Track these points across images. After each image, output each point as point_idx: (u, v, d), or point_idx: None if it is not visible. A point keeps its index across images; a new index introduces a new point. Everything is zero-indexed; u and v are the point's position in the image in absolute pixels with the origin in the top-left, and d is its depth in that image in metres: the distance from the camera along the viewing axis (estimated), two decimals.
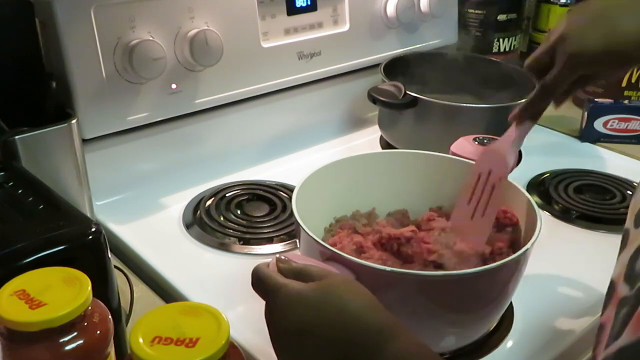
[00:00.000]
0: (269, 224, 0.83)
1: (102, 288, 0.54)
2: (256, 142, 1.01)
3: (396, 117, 0.99)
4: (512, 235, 0.68)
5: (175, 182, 0.91)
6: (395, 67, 1.05)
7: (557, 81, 0.65)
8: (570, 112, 1.21)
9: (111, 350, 0.48)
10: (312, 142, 1.05)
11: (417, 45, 1.15)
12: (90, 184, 0.79)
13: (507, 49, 1.29)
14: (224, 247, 0.79)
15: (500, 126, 0.93)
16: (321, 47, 1.02)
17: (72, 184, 0.75)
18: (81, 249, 0.53)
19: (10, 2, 0.73)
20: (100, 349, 0.46)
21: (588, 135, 1.10)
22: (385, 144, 1.05)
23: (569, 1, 1.29)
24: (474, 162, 0.72)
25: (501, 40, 1.28)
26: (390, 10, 1.08)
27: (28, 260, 0.50)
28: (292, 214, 0.62)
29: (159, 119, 0.88)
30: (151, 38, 0.82)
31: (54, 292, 0.45)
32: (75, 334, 0.44)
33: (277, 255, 0.52)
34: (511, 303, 0.69)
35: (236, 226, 0.83)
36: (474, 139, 0.77)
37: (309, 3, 0.99)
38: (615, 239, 0.84)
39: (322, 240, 0.61)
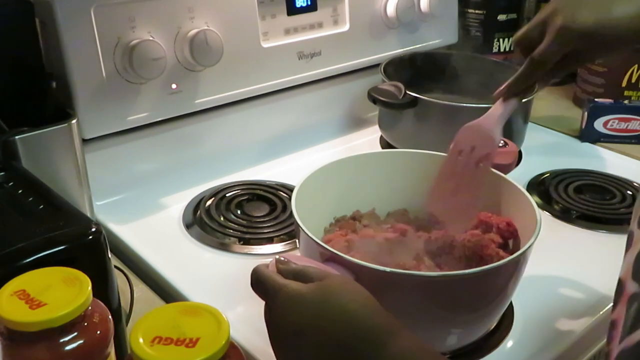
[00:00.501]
0: (269, 224, 0.83)
1: (102, 288, 0.54)
2: (256, 142, 1.01)
3: (396, 117, 0.99)
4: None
5: (175, 182, 0.91)
6: (395, 67, 1.05)
7: (546, 55, 0.64)
8: (570, 112, 1.22)
9: (111, 350, 0.48)
10: (312, 142, 1.05)
11: (417, 45, 1.15)
12: (90, 184, 0.79)
13: (507, 49, 1.29)
14: (224, 247, 0.79)
15: None
16: (321, 47, 1.02)
17: (72, 184, 0.75)
18: (81, 249, 0.53)
19: (10, 2, 0.73)
20: (100, 349, 0.46)
21: (588, 135, 1.10)
22: (385, 144, 1.05)
23: None
24: None
25: (501, 40, 1.28)
26: (390, 10, 1.08)
27: (28, 260, 0.50)
28: (292, 214, 0.62)
29: (159, 119, 0.88)
30: (151, 38, 0.82)
31: (54, 292, 0.45)
32: (75, 334, 0.44)
33: (277, 256, 0.52)
34: (511, 303, 0.69)
35: (236, 226, 0.83)
36: None
37: (309, 3, 0.99)
38: (615, 239, 0.85)
39: (322, 240, 0.61)
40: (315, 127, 1.07)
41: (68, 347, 0.44)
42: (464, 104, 0.98)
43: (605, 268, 0.76)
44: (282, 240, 0.80)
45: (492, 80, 1.05)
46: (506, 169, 0.72)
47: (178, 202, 0.88)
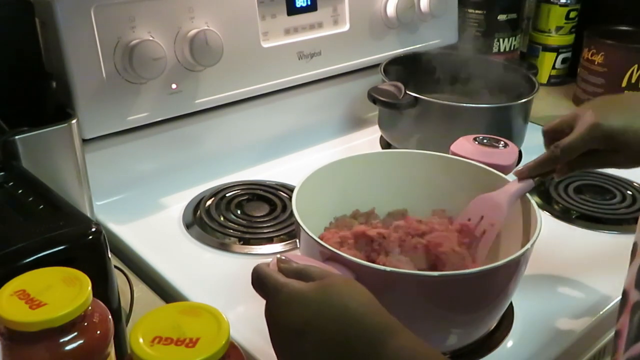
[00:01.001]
0: (269, 224, 0.83)
1: (102, 288, 0.54)
2: (256, 142, 1.01)
3: (396, 117, 0.99)
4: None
5: (175, 182, 0.91)
6: (395, 67, 1.05)
7: (571, 146, 0.67)
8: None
9: (111, 350, 0.48)
10: (312, 142, 1.05)
11: (417, 45, 1.15)
12: (90, 184, 0.79)
13: (507, 49, 1.29)
14: (224, 247, 0.79)
15: (500, 126, 0.94)
16: (321, 47, 1.02)
17: (72, 184, 0.75)
18: (81, 249, 0.53)
19: (10, 2, 0.73)
20: (100, 349, 0.46)
21: None
22: (385, 144, 1.05)
23: (568, 1, 1.29)
24: (473, 162, 0.72)
25: (501, 40, 1.28)
26: (390, 10, 1.08)
27: (28, 260, 0.50)
28: (292, 214, 0.62)
29: (159, 119, 0.88)
30: (151, 38, 0.82)
31: (54, 292, 0.45)
32: (75, 334, 0.44)
33: (278, 255, 0.52)
34: (511, 303, 0.69)
35: (236, 226, 0.83)
36: (474, 139, 0.77)
37: (309, 3, 0.99)
38: (615, 239, 0.85)
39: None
40: (315, 127, 1.07)
41: (68, 347, 0.44)
42: (464, 104, 0.98)
43: (605, 268, 0.77)
44: (282, 240, 0.80)
45: (492, 80, 1.05)
46: (507, 169, 0.73)
47: (178, 202, 0.88)
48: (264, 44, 0.95)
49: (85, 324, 0.45)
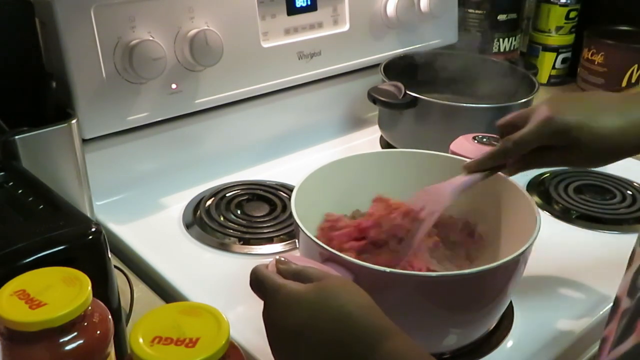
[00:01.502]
0: (269, 224, 0.83)
1: (102, 288, 0.54)
2: (256, 142, 1.01)
3: (396, 117, 0.99)
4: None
5: (175, 182, 0.91)
6: (395, 67, 1.05)
7: (523, 139, 0.65)
8: None
9: (111, 350, 0.48)
10: (312, 142, 1.05)
11: (417, 45, 1.15)
12: (90, 184, 0.79)
13: (507, 49, 1.29)
14: (224, 247, 0.79)
15: None
16: (321, 47, 1.02)
17: (72, 184, 0.75)
18: (81, 249, 0.53)
19: (10, 2, 0.73)
20: (100, 349, 0.46)
21: None
22: (385, 144, 1.05)
23: (568, 1, 1.29)
24: None
25: (501, 40, 1.28)
26: (390, 10, 1.08)
27: (28, 260, 0.50)
28: (291, 214, 0.62)
29: (159, 119, 0.88)
30: (151, 38, 0.82)
31: (54, 292, 0.45)
32: (75, 334, 0.45)
33: (277, 257, 0.52)
34: (511, 303, 0.69)
35: (236, 226, 0.83)
36: (474, 138, 0.77)
37: (309, 3, 0.99)
38: (615, 239, 0.85)
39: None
40: (315, 127, 1.07)
41: (68, 347, 0.44)
42: (464, 104, 0.98)
43: (605, 268, 0.77)
44: (281, 240, 0.80)
45: (492, 80, 1.05)
46: (505, 168, 0.72)
47: (178, 202, 0.88)
48: (264, 44, 0.95)
49: (85, 324, 0.45)
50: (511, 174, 0.70)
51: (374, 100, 0.96)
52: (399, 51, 1.12)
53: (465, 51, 1.20)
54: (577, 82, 1.27)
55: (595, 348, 0.72)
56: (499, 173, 0.70)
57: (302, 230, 0.60)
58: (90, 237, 0.54)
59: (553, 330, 0.68)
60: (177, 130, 0.92)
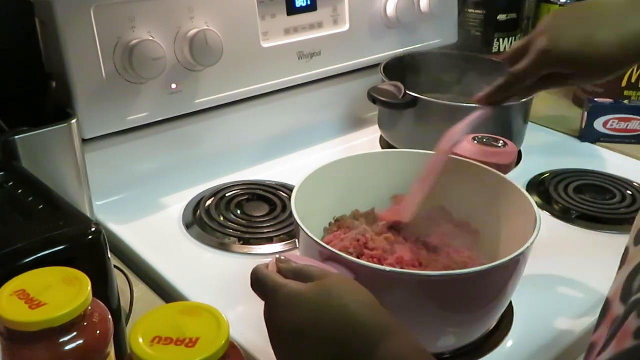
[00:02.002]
0: (269, 224, 0.83)
1: (102, 288, 0.54)
2: (256, 142, 1.01)
3: (396, 117, 0.99)
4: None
5: (175, 182, 0.91)
6: (395, 67, 1.05)
7: (525, 72, 0.66)
8: (570, 112, 1.22)
9: (111, 350, 0.48)
10: (312, 142, 1.05)
11: (417, 45, 1.15)
12: (90, 184, 0.79)
13: (507, 49, 1.29)
14: (224, 247, 0.79)
15: (500, 126, 0.93)
16: (321, 47, 1.02)
17: (72, 184, 0.75)
18: (81, 249, 0.53)
19: (10, 2, 0.73)
20: (100, 349, 0.46)
21: (588, 135, 1.10)
22: (385, 144, 1.05)
23: (568, 1, 1.29)
24: (473, 162, 0.72)
25: (501, 40, 1.28)
26: (390, 10, 1.08)
27: (28, 260, 0.50)
28: (292, 214, 0.62)
29: (159, 119, 0.88)
30: (151, 38, 0.82)
31: (54, 292, 0.45)
32: (75, 334, 0.45)
33: (277, 256, 0.52)
34: (511, 303, 0.69)
35: (236, 226, 0.83)
36: (473, 138, 0.77)
37: (309, 3, 0.99)
38: (615, 239, 0.85)
39: (321, 240, 0.61)
40: (315, 127, 1.07)
41: (68, 347, 0.44)
42: (464, 104, 0.98)
43: (605, 268, 0.76)
44: (282, 240, 0.80)
45: (492, 80, 1.05)
46: (506, 169, 0.73)
47: (178, 202, 0.88)
48: (264, 44, 0.95)
49: (85, 324, 0.45)
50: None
51: (374, 100, 0.96)
52: (399, 51, 1.12)
53: (465, 51, 1.20)
54: None
55: None
56: (499, 174, 0.71)
57: (303, 230, 0.60)
58: (90, 237, 0.54)
59: (553, 330, 0.68)
60: (177, 130, 0.92)
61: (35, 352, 0.44)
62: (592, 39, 0.63)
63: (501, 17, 1.26)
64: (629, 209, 0.90)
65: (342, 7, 1.04)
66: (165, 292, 0.73)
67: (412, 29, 1.14)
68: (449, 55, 1.12)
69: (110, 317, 0.48)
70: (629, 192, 0.94)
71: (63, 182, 0.74)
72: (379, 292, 0.48)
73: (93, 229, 0.54)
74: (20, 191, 0.61)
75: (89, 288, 0.45)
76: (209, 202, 0.87)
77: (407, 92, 0.95)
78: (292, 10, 0.98)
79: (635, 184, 0.96)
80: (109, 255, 0.56)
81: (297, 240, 0.65)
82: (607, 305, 0.42)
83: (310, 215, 0.63)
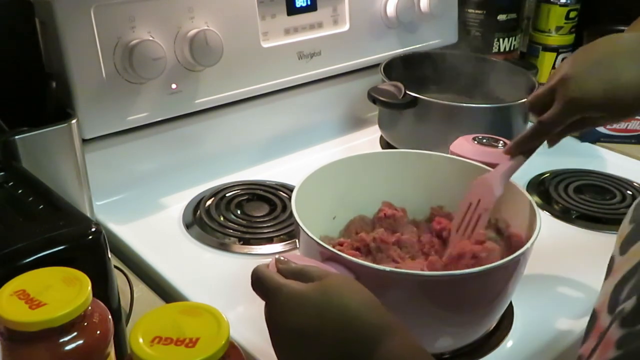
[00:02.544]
0: (269, 224, 0.83)
1: (102, 288, 0.54)
2: (256, 142, 1.01)
3: (396, 117, 0.99)
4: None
5: (175, 182, 0.91)
6: (395, 67, 1.05)
7: (554, 122, 0.65)
8: None
9: (111, 350, 0.48)
10: (312, 142, 1.05)
11: (417, 45, 1.15)
12: (90, 184, 0.79)
13: (507, 49, 1.29)
14: (224, 247, 0.79)
15: (500, 126, 0.94)
16: (321, 47, 1.02)
17: (72, 184, 0.75)
18: (81, 249, 0.53)
19: (10, 2, 0.73)
20: (100, 349, 0.46)
21: (588, 135, 1.10)
22: (385, 144, 1.05)
23: (568, 1, 1.29)
24: (473, 162, 0.72)
25: (501, 40, 1.28)
26: (390, 10, 1.08)
27: (28, 260, 0.50)
28: (292, 214, 0.62)
29: (159, 119, 0.88)
30: (151, 38, 0.82)
31: (54, 292, 0.45)
32: (75, 334, 0.45)
33: (277, 256, 0.52)
34: (511, 303, 0.69)
35: (236, 226, 0.83)
36: (474, 139, 0.77)
37: (309, 3, 0.99)
38: (615, 239, 0.84)
39: (322, 240, 0.61)
40: (315, 127, 1.07)
41: (68, 347, 0.44)
42: (464, 104, 0.98)
43: (605, 268, 0.77)
44: (282, 240, 0.80)
45: (492, 80, 1.06)
46: None
47: (178, 202, 0.88)
48: (264, 44, 0.95)
49: (85, 324, 0.45)
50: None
51: (374, 100, 0.96)
52: (399, 51, 1.12)
53: (465, 51, 1.20)
54: None
55: None
56: None
57: (303, 230, 0.60)
58: (90, 237, 0.54)
59: (553, 330, 0.68)
60: (177, 130, 0.92)
61: (35, 352, 0.44)
62: (619, 81, 0.62)
63: (501, 17, 1.26)
64: (628, 209, 0.90)
65: (342, 7, 1.04)
66: (165, 292, 0.73)
67: (412, 29, 1.14)
68: (449, 55, 1.12)
69: (110, 317, 0.48)
70: (629, 192, 0.94)
71: (63, 182, 0.74)
72: (378, 291, 0.48)
73: (93, 229, 0.54)
74: (20, 191, 0.61)
75: (89, 288, 0.45)
76: (209, 202, 0.87)
77: (407, 92, 0.95)
78: (292, 10, 0.98)
79: (635, 184, 0.96)
80: (109, 255, 0.56)
81: (297, 240, 0.65)
82: (594, 317, 0.42)
83: (310, 215, 0.63)
